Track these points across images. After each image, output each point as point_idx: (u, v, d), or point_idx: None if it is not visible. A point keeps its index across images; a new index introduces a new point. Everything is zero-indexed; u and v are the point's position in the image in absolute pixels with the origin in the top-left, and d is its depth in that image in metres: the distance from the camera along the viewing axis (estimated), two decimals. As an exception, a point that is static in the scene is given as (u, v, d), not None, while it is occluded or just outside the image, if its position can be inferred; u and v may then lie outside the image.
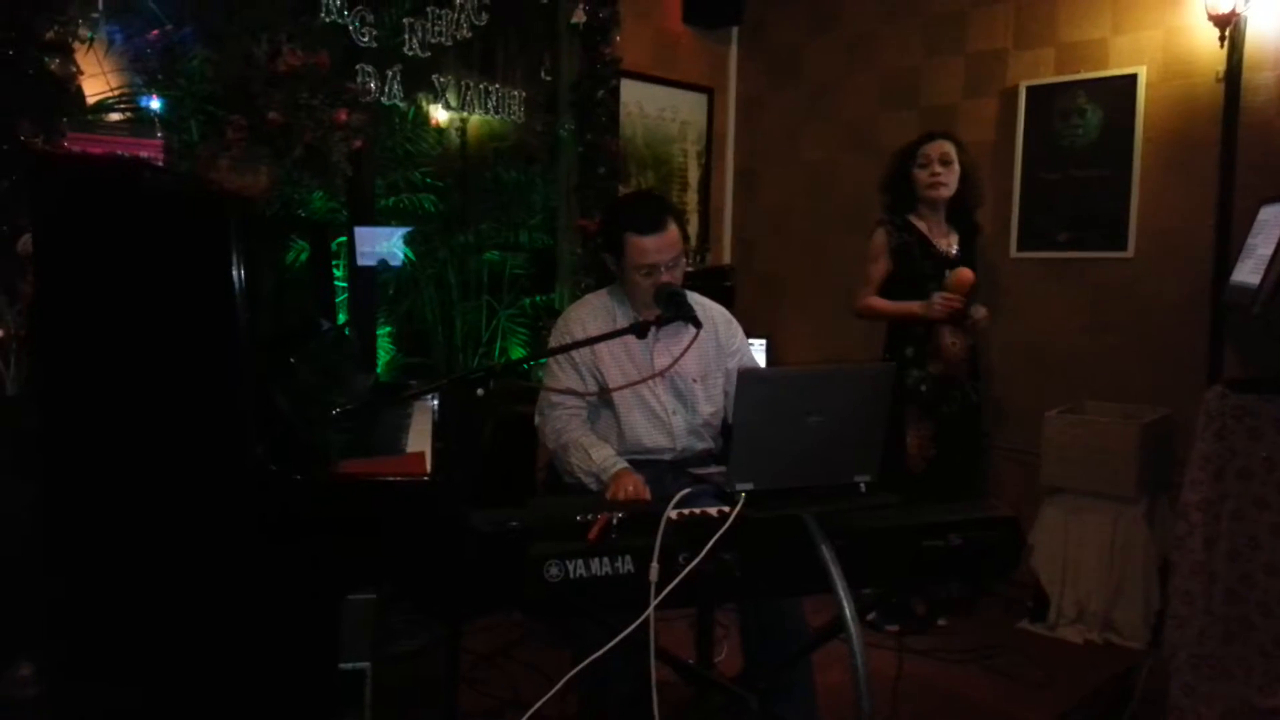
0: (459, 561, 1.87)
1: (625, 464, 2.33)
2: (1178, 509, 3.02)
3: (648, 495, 2.17)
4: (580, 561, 1.78)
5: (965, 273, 3.43)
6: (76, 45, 2.76)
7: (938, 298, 3.39)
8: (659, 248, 2.42)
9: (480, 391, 1.99)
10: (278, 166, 2.90)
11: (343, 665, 1.89)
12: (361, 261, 4.23)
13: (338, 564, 1.82)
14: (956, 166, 3.46)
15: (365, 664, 1.97)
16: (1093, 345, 4.00)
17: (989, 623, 3.64)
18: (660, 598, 1.78)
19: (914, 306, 3.45)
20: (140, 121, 2.36)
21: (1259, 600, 2.87)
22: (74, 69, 2.74)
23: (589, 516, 1.90)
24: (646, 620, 1.79)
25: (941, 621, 3.61)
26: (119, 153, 2.05)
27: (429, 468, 2.04)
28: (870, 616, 3.45)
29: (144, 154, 2.10)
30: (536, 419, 2.56)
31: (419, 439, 2.52)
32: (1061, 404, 3.82)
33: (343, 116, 2.97)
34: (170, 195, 1.72)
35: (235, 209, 1.74)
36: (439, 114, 4.17)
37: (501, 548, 1.83)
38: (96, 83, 2.99)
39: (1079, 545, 3.55)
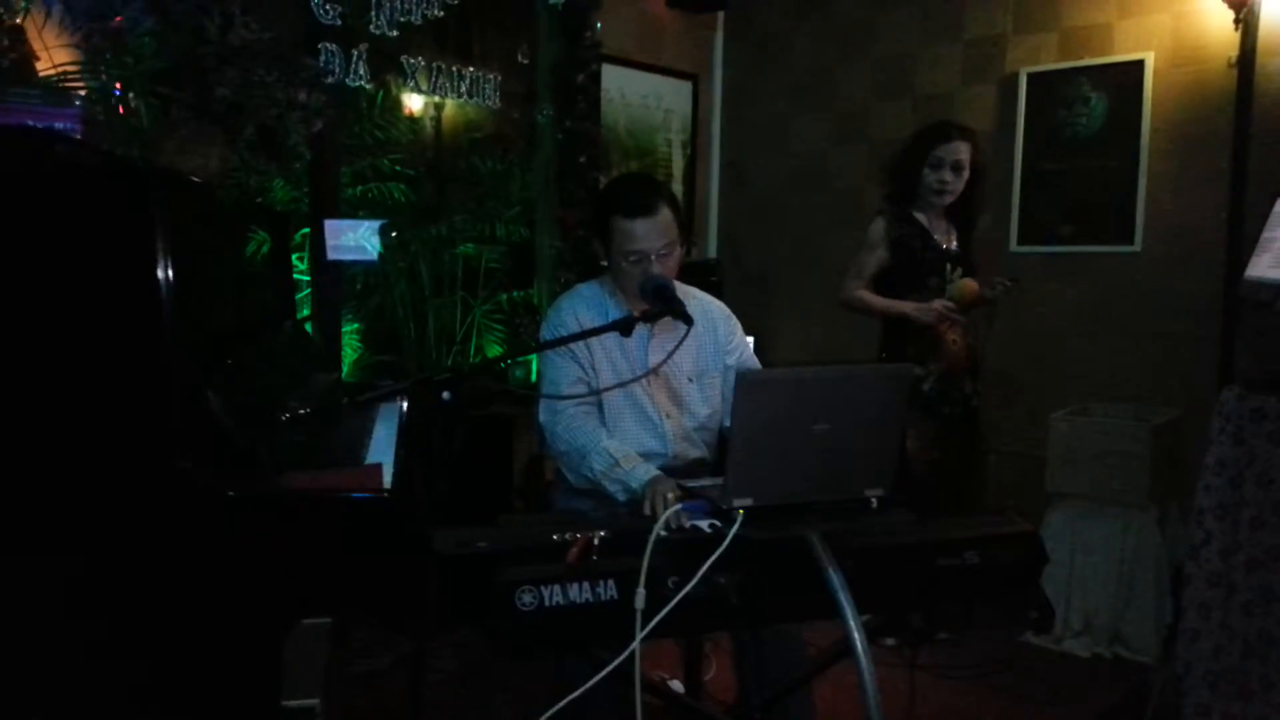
0: (421, 587, 1.67)
1: (658, 470, 2.12)
2: (1192, 516, 2.87)
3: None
4: (557, 587, 1.58)
5: (971, 285, 3.25)
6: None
7: (939, 304, 3.21)
8: (647, 233, 2.21)
9: (446, 395, 1.78)
10: (230, 149, 2.66)
11: (286, 703, 1.67)
12: (333, 256, 4.01)
13: (281, 589, 1.60)
14: (967, 172, 3.28)
15: (314, 701, 1.76)
16: (1097, 344, 3.83)
17: (991, 636, 3.45)
18: (648, 629, 1.58)
19: (906, 307, 3.25)
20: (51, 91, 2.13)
21: (1280, 615, 2.72)
22: (5, 41, 2.51)
23: (567, 536, 1.70)
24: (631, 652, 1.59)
25: (942, 635, 3.42)
26: (29, 123, 1.82)
27: (388, 480, 1.82)
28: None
29: (60, 125, 1.88)
30: (543, 418, 2.33)
31: (382, 446, 2.30)
32: (1065, 405, 3.64)
33: (301, 96, 2.73)
34: (85, 170, 1.50)
35: (161, 187, 1.52)
36: (411, 99, 3.95)
37: (468, 572, 1.63)
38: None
39: (1086, 554, 3.38)
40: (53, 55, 2.82)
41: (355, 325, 4.03)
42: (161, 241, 1.51)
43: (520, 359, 4.12)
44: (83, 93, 2.58)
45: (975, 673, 3.20)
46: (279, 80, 2.65)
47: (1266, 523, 2.76)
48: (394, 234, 3.90)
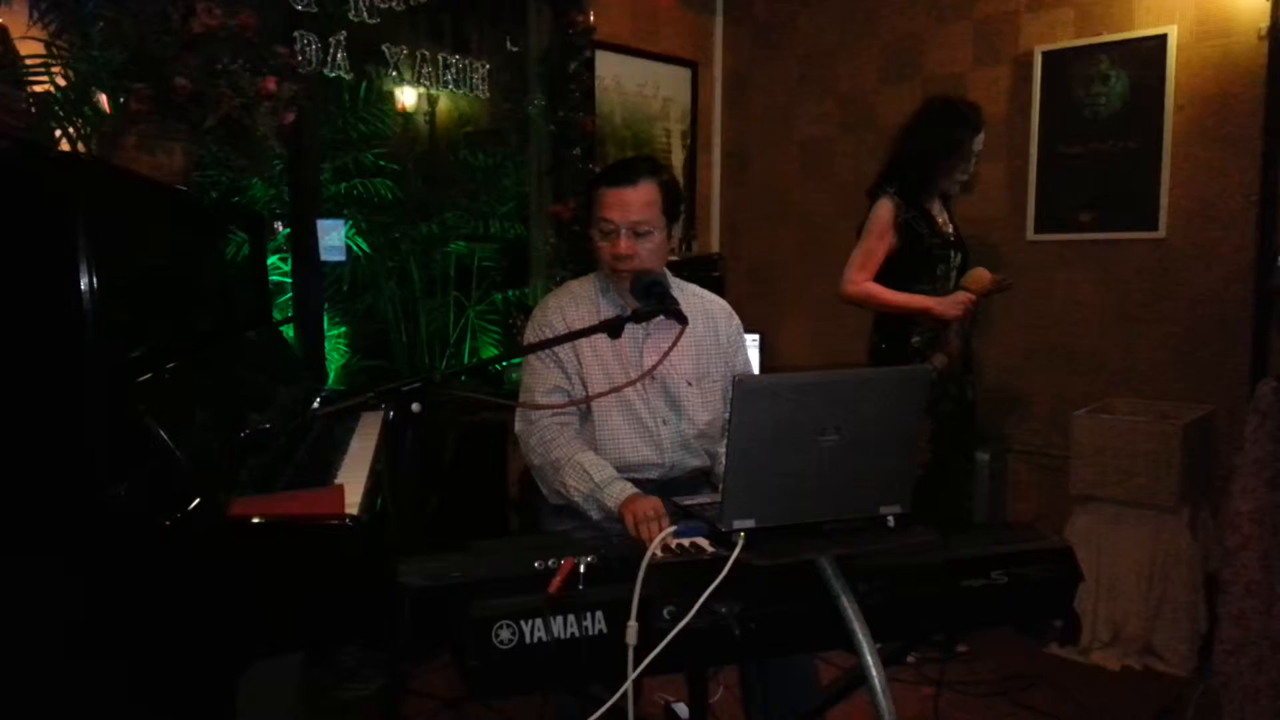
0: (390, 622, 1.50)
1: (634, 486, 1.96)
2: (1227, 520, 2.69)
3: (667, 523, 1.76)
4: (539, 622, 1.41)
5: (985, 273, 3.08)
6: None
7: (962, 296, 3.03)
8: (623, 203, 2.05)
9: (417, 407, 1.60)
10: (195, 143, 2.49)
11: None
12: (326, 257, 3.84)
13: (227, 626, 1.43)
14: None
15: (275, 746, 1.59)
16: (1120, 336, 3.63)
17: (1014, 648, 3.26)
18: (641, 668, 1.41)
19: (928, 301, 3.05)
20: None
21: (1325, 623, 2.54)
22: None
23: (549, 563, 1.53)
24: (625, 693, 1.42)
25: (961, 648, 3.24)
26: None
27: (351, 502, 1.64)
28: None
29: None
30: (518, 427, 2.17)
31: (356, 463, 2.12)
32: (1087, 402, 3.45)
33: (270, 86, 2.56)
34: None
35: (85, 181, 1.35)
36: (397, 91, 3.77)
37: (439, 606, 1.46)
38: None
39: (1114, 560, 3.19)
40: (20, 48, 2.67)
41: (342, 329, 3.86)
42: (85, 239, 1.33)
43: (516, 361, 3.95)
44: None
45: (998, 688, 3.01)
46: (244, 69, 2.48)
47: (1309, 526, 2.59)
48: (375, 233, 3.73)
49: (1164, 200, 3.48)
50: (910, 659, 3.07)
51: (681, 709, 2.51)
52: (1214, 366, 3.39)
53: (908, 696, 2.86)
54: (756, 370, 4.39)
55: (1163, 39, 3.44)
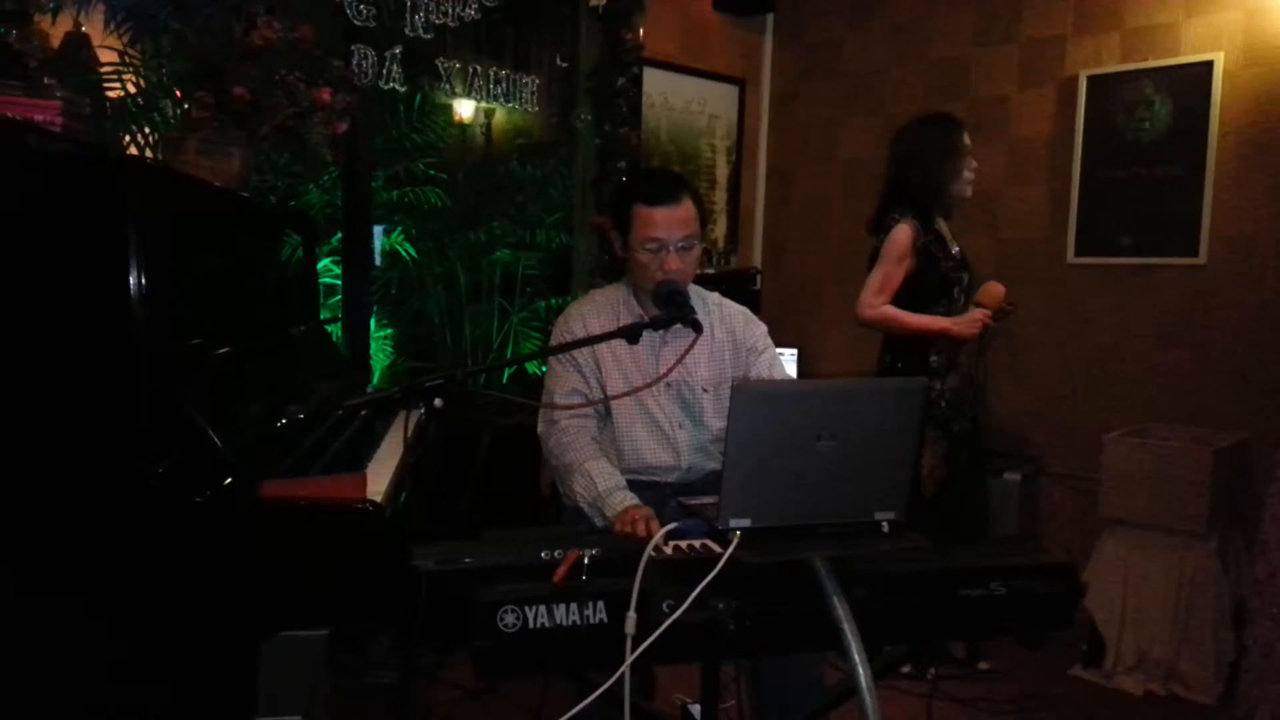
0: (404, 603, 1.59)
1: (635, 498, 2.03)
2: (1257, 547, 2.68)
3: (656, 525, 1.84)
4: (542, 608, 1.49)
5: (999, 287, 3.06)
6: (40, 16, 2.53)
7: (978, 314, 3.02)
8: (668, 221, 2.13)
9: (439, 402, 1.70)
10: (251, 149, 2.63)
11: (261, 721, 1.60)
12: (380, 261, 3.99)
13: (249, 599, 1.54)
14: None
15: (294, 718, 1.69)
16: (1158, 361, 3.62)
17: (1036, 667, 3.26)
18: (636, 654, 1.48)
19: (946, 322, 3.04)
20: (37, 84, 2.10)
21: (1354, 657, 2.51)
22: (37, 42, 2.51)
23: (555, 553, 1.61)
24: (621, 679, 1.49)
25: (983, 665, 3.24)
26: (5, 115, 1.80)
27: (376, 490, 1.74)
28: (905, 669, 3.10)
29: (39, 117, 1.85)
30: (540, 428, 2.25)
31: (388, 456, 2.23)
32: (1123, 425, 3.44)
33: (325, 96, 2.69)
34: (59, 162, 1.46)
35: (139, 180, 1.47)
36: (453, 103, 3.91)
37: (449, 590, 1.55)
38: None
39: (1141, 584, 3.17)
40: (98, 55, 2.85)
41: (389, 330, 4.00)
42: (135, 235, 1.45)
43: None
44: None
45: (1018, 708, 3.01)
46: (301, 80, 2.61)
47: (1339, 557, 2.56)
48: (425, 239, 3.86)
49: (1205, 226, 3.47)
50: (930, 674, 3.09)
51: (697, 709, 2.57)
52: (1253, 394, 3.37)
53: (922, 710, 2.88)
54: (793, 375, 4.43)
55: (1208, 65, 3.44)
